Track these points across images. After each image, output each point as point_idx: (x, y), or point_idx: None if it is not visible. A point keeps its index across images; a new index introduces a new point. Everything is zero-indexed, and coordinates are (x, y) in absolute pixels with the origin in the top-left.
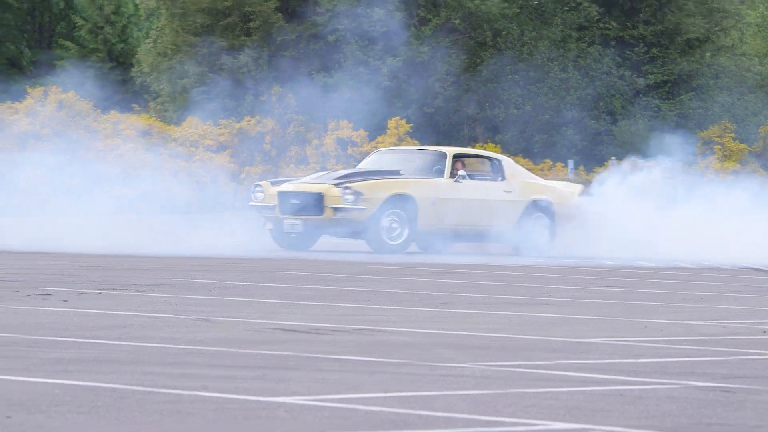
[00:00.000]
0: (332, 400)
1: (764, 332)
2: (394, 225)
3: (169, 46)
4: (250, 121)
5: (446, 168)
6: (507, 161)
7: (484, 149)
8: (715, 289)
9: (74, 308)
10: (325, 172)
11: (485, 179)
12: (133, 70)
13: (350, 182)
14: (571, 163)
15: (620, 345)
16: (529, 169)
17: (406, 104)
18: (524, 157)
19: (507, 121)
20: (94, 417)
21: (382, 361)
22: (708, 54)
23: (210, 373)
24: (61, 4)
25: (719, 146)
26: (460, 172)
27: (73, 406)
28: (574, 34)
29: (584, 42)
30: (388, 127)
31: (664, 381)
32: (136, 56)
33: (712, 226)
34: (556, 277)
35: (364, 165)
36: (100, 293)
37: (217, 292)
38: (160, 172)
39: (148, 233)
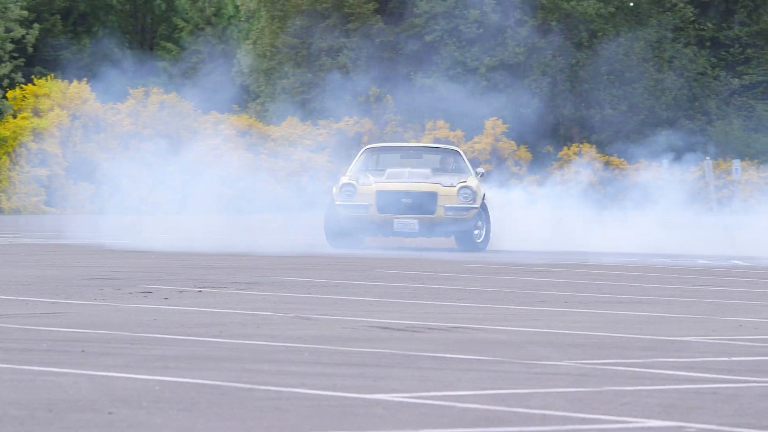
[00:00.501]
0: (429, 398)
1: None
2: (479, 223)
3: (269, 48)
4: (348, 121)
5: (468, 165)
6: (465, 156)
7: (579, 149)
8: None
9: (175, 306)
10: (399, 170)
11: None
12: (233, 71)
13: (459, 181)
14: (665, 163)
15: (714, 343)
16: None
17: (503, 105)
18: (619, 156)
19: (603, 121)
20: (194, 413)
21: (478, 359)
22: None
23: (308, 370)
24: (163, 6)
25: None
26: (480, 169)
27: (174, 402)
28: (670, 35)
29: (679, 43)
30: (485, 127)
31: (759, 379)
32: (237, 57)
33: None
34: (649, 275)
35: (363, 162)
36: (200, 291)
37: (315, 290)
38: (259, 171)
39: (248, 232)
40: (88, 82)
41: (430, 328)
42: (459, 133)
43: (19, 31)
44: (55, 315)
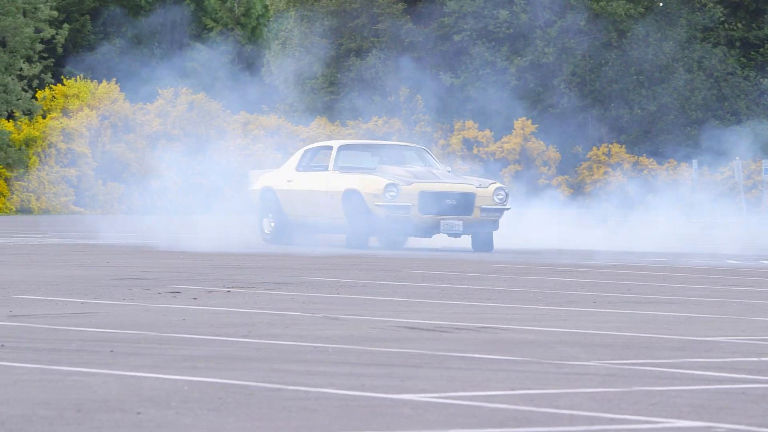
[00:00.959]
0: (457, 398)
1: None
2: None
3: (298, 48)
4: (377, 121)
5: (438, 162)
6: (433, 155)
7: (609, 150)
8: None
9: (204, 306)
10: (420, 170)
11: None
12: (262, 70)
13: (491, 182)
14: (694, 163)
15: (744, 343)
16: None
17: (532, 104)
18: (648, 157)
19: (632, 121)
20: (222, 413)
21: (507, 359)
22: None
23: (336, 370)
24: (192, 7)
25: None
26: (448, 168)
27: (203, 402)
28: (699, 35)
29: (709, 43)
30: (514, 127)
31: None
32: (266, 57)
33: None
34: (678, 276)
35: (336, 160)
36: (229, 291)
37: (343, 290)
38: None
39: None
40: (117, 83)
41: (458, 329)
42: (488, 133)
43: (48, 32)
44: (84, 315)
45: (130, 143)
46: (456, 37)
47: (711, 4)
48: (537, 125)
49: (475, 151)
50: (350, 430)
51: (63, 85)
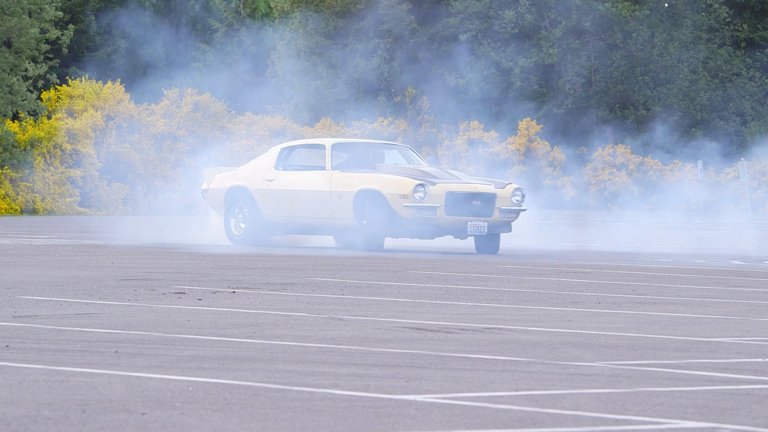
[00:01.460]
0: (462, 399)
1: None
2: None
3: (303, 49)
4: (383, 122)
5: (423, 161)
6: (418, 154)
7: (614, 150)
8: None
9: (208, 307)
10: (436, 170)
11: None
12: (267, 71)
13: (508, 183)
14: (700, 163)
15: (748, 344)
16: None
17: (537, 105)
18: (653, 157)
19: (637, 122)
20: (227, 414)
21: (512, 360)
22: None
23: (341, 371)
24: (197, 7)
25: None
26: (434, 166)
27: (207, 403)
28: (704, 35)
29: (714, 44)
30: (519, 127)
31: None
32: (270, 58)
33: None
34: (683, 276)
35: (333, 159)
36: (234, 292)
37: (348, 291)
38: None
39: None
40: (122, 83)
41: (463, 329)
42: (493, 133)
43: (54, 32)
44: (89, 316)
45: (135, 144)
46: (461, 37)
47: (716, 5)
48: (542, 125)
49: (480, 152)
50: (355, 430)
51: (68, 85)
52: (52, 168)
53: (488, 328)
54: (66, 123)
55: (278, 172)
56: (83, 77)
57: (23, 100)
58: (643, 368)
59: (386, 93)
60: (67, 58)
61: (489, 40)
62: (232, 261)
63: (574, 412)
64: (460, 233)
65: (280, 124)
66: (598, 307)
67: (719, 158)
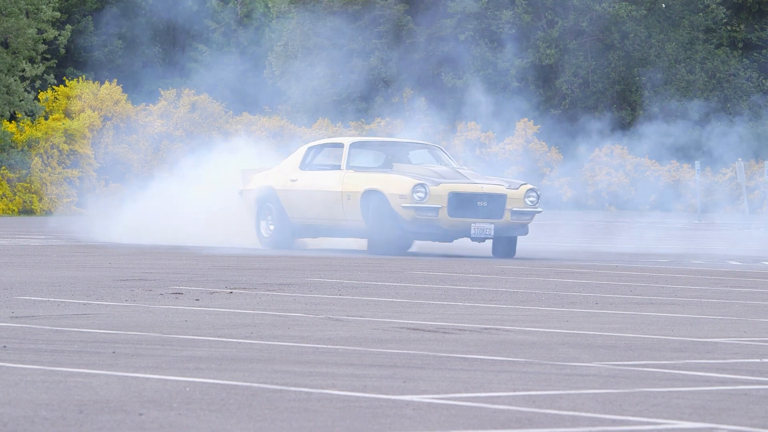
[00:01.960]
0: (460, 399)
1: None
2: None
3: (300, 49)
4: (380, 122)
5: (452, 161)
6: (448, 153)
7: (611, 151)
8: None
9: (206, 307)
10: (444, 170)
11: None
12: (264, 72)
13: (522, 183)
14: (697, 164)
15: (745, 345)
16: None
17: (534, 106)
18: (650, 158)
19: (634, 122)
20: (225, 414)
21: (509, 360)
22: None
23: (338, 371)
24: (195, 8)
25: None
26: (465, 167)
27: (205, 403)
28: (701, 36)
29: (711, 44)
30: (516, 128)
31: None
32: (268, 59)
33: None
34: (680, 277)
35: (358, 159)
36: (231, 292)
37: (345, 291)
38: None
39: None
40: (119, 84)
41: (460, 330)
42: (490, 134)
43: (51, 33)
44: (87, 316)
45: (132, 144)
46: (461, 37)
47: (713, 6)
48: (539, 126)
49: (477, 152)
50: (352, 431)
51: (65, 86)
52: (49, 168)
53: (485, 329)
54: (63, 123)
55: (301, 172)
56: (80, 78)
57: (20, 101)
58: (640, 369)
59: (384, 93)
60: (64, 59)
61: (486, 40)
62: (230, 261)
63: (571, 413)
64: (464, 236)
65: (277, 125)
66: (595, 307)
67: (716, 159)
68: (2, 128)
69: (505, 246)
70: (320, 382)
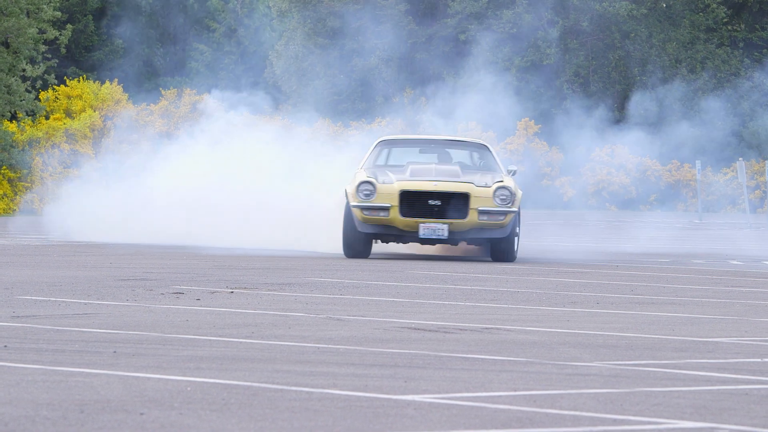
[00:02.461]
0: (461, 399)
1: None
2: (517, 230)
3: (301, 49)
4: (380, 122)
5: (498, 162)
6: (495, 152)
7: (613, 150)
8: None
9: (207, 307)
10: (423, 167)
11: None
12: (265, 71)
13: (495, 181)
14: (698, 163)
15: (746, 344)
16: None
17: (535, 105)
18: (651, 158)
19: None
20: (226, 414)
21: (510, 360)
22: None
23: (339, 371)
24: (195, 7)
25: None
26: (512, 167)
27: (206, 403)
28: (702, 35)
29: (712, 44)
30: (517, 128)
31: None
32: (269, 58)
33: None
34: (681, 277)
35: (377, 158)
36: (232, 292)
37: (346, 291)
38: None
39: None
40: (120, 83)
41: (461, 329)
42: (491, 134)
43: (52, 33)
44: (87, 316)
45: (133, 144)
46: (461, 36)
47: (714, 5)
48: (540, 125)
49: None
50: (353, 430)
51: (66, 85)
52: (50, 168)
53: (486, 328)
54: (64, 123)
55: (357, 171)
56: (81, 77)
57: (21, 100)
58: (641, 368)
59: (384, 93)
60: (65, 59)
61: (487, 40)
62: (231, 261)
63: (572, 412)
64: (413, 237)
65: (278, 125)
66: (596, 307)
67: (717, 158)
68: (3, 128)
69: (501, 250)
70: (321, 382)
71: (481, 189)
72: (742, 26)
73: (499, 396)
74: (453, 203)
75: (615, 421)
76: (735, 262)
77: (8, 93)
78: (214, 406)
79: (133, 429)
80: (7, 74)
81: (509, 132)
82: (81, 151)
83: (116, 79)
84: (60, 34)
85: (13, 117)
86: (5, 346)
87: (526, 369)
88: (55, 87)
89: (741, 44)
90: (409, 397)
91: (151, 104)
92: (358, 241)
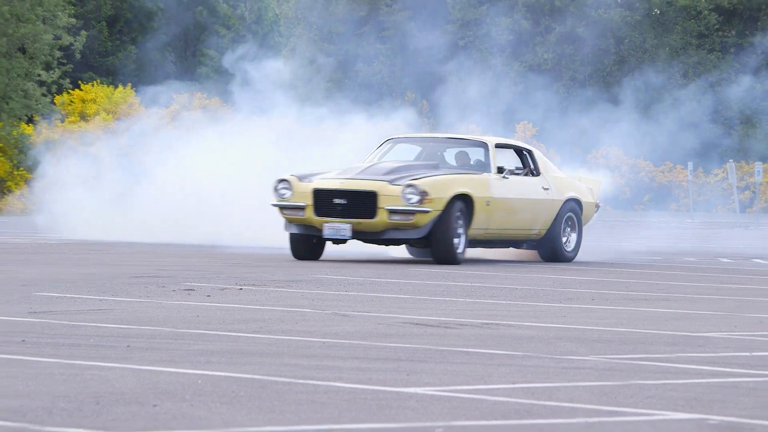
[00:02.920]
0: (461, 391)
1: None
2: (459, 230)
3: (307, 54)
4: (383, 125)
5: (491, 161)
6: (537, 153)
7: (607, 152)
8: None
9: (216, 303)
10: (366, 165)
11: (523, 175)
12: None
13: (412, 178)
14: (690, 165)
15: (735, 339)
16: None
17: (532, 108)
18: (645, 159)
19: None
20: (235, 406)
21: (508, 354)
22: None
23: (344, 365)
24: (205, 14)
25: None
26: (509, 167)
27: (216, 395)
28: (694, 41)
29: (704, 49)
30: (516, 131)
31: None
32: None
33: None
34: (673, 274)
35: (382, 155)
36: (241, 289)
37: (351, 287)
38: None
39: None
40: (133, 87)
41: (461, 325)
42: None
43: (67, 39)
44: (102, 311)
45: (145, 146)
46: (460, 43)
47: (705, 12)
48: (538, 128)
49: None
50: (358, 422)
51: (80, 89)
52: (65, 169)
53: (486, 324)
54: (79, 126)
55: None
56: (95, 82)
57: (37, 104)
58: (634, 362)
59: (387, 97)
60: (79, 64)
61: (486, 45)
62: (240, 259)
63: (568, 404)
64: (317, 236)
65: (285, 127)
66: (591, 303)
67: (709, 160)
68: (20, 130)
69: (441, 251)
70: (327, 375)
71: (391, 188)
72: (733, 32)
73: (498, 389)
74: (359, 202)
75: (609, 413)
76: (725, 260)
77: (25, 97)
78: (224, 399)
79: (146, 420)
80: (23, 79)
81: (508, 135)
82: (95, 153)
83: (129, 84)
84: (75, 40)
85: (30, 120)
86: (23, 341)
87: (524, 363)
88: (69, 91)
89: (732, 50)
90: (412, 390)
91: (163, 108)
92: (297, 242)
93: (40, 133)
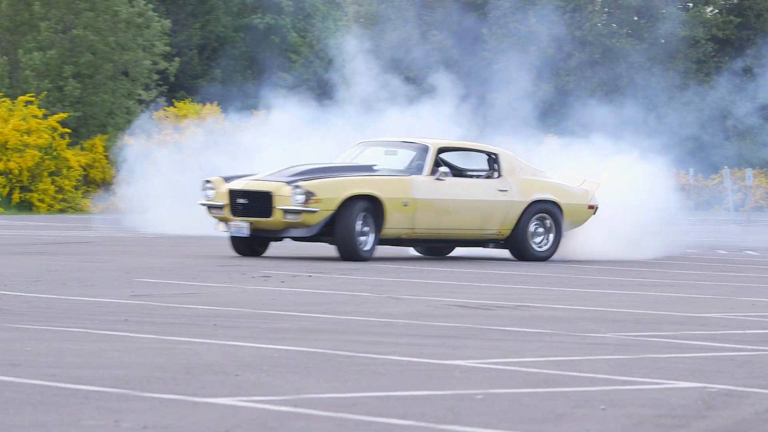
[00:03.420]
0: (498, 363)
1: None
2: (365, 229)
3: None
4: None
5: (427, 164)
6: (505, 155)
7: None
8: None
9: (289, 288)
10: (286, 167)
11: (475, 176)
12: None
13: (303, 179)
14: (690, 170)
15: (732, 319)
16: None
17: (556, 122)
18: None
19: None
20: (306, 376)
21: (538, 332)
22: None
23: (398, 341)
24: (277, 41)
25: None
26: (442, 169)
27: (290, 366)
28: (693, 66)
29: (702, 73)
30: (544, 141)
31: None
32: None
33: None
34: (678, 263)
35: (339, 159)
36: (310, 276)
37: (405, 275)
38: None
39: None
40: (218, 105)
41: (498, 306)
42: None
43: (163, 64)
44: (192, 295)
45: (230, 154)
46: (495, 67)
47: (703, 41)
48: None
49: None
50: (410, 389)
51: (174, 107)
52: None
53: (519, 306)
54: (173, 138)
55: None
56: (186, 100)
57: (137, 120)
58: (646, 339)
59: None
60: (173, 85)
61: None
62: (308, 251)
63: (589, 375)
64: (225, 233)
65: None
66: (609, 288)
67: (707, 166)
68: (123, 141)
69: (342, 248)
70: (384, 350)
71: (285, 189)
72: (726, 58)
73: (530, 361)
74: (257, 202)
75: (624, 382)
76: (722, 252)
77: (127, 113)
78: (296, 369)
79: (230, 388)
80: (126, 98)
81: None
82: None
83: (215, 102)
84: (169, 65)
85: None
86: (126, 320)
87: (552, 339)
88: (165, 108)
89: (725, 73)
90: (456, 362)
91: (245, 122)
92: (234, 241)
93: (140, 144)
